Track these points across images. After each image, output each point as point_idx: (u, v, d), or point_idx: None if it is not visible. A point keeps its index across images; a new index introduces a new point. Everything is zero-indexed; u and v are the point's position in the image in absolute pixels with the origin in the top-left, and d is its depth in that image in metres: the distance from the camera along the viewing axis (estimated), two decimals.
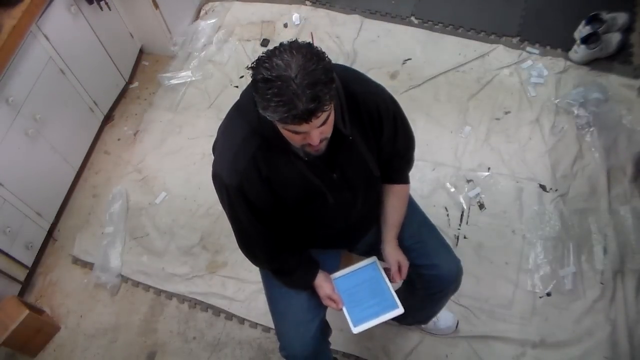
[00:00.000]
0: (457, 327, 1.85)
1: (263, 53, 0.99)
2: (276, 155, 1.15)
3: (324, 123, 1.02)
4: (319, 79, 0.94)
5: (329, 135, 1.08)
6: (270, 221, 1.26)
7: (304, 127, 0.99)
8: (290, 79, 0.93)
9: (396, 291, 1.40)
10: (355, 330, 1.34)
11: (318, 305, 1.42)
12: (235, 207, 1.22)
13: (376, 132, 1.23)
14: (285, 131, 1.04)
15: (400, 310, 1.35)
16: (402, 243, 1.44)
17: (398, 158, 1.36)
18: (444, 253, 1.44)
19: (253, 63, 0.99)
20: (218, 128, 1.24)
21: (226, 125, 1.22)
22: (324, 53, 0.98)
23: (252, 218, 1.23)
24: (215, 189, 1.23)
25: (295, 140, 1.06)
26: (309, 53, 0.96)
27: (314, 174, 1.20)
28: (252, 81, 0.99)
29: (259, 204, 1.20)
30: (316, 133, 1.02)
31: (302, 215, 1.30)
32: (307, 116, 0.95)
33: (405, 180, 1.43)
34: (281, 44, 0.99)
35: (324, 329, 1.49)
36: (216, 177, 1.20)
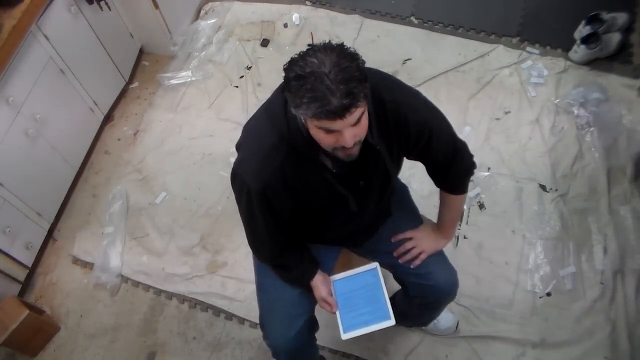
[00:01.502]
0: (457, 327, 1.85)
1: (296, 54, 0.98)
2: (304, 164, 1.13)
3: (357, 123, 0.99)
4: (353, 75, 0.94)
5: (362, 138, 1.05)
6: (285, 225, 1.26)
7: (337, 124, 0.96)
8: (324, 74, 0.92)
9: (394, 296, 1.40)
10: (345, 336, 1.34)
11: (309, 302, 1.42)
12: (253, 210, 1.20)
13: (401, 142, 1.19)
14: (318, 131, 1.01)
15: (391, 322, 1.34)
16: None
17: (439, 167, 1.32)
18: (439, 263, 1.44)
19: (286, 65, 0.98)
20: (244, 126, 1.22)
21: (254, 127, 1.19)
22: (357, 53, 0.98)
23: (269, 221, 1.23)
24: (234, 187, 1.21)
25: (327, 142, 1.02)
26: (342, 52, 0.96)
27: (340, 183, 1.19)
28: (284, 81, 0.98)
29: (279, 209, 1.20)
30: (349, 133, 0.99)
31: (323, 219, 1.31)
32: (341, 111, 0.94)
33: (451, 189, 1.38)
34: (314, 45, 0.99)
35: (311, 325, 1.49)
36: (238, 177, 1.18)
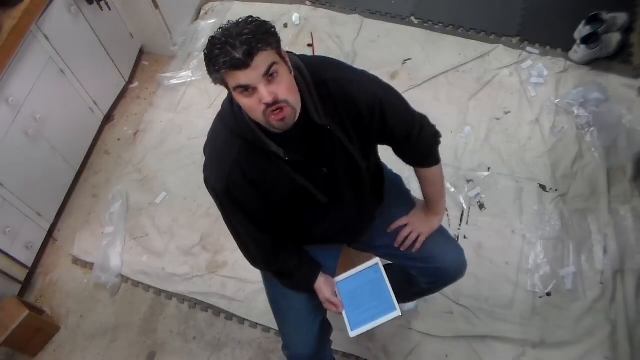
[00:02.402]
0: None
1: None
2: (259, 157, 1.15)
3: (271, 78, 1.02)
4: (253, 29, 1.00)
5: (287, 99, 1.05)
6: (265, 223, 1.26)
7: (246, 75, 1.00)
8: (228, 35, 1.00)
9: (398, 282, 1.40)
10: (352, 334, 1.34)
11: (319, 304, 1.41)
12: (226, 210, 1.23)
13: (355, 120, 1.18)
14: (240, 98, 1.04)
15: (397, 313, 1.33)
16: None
17: (403, 143, 1.29)
18: (444, 244, 1.42)
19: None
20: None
21: (211, 130, 1.23)
22: (266, 21, 1.05)
23: (245, 221, 1.23)
24: (209, 192, 1.24)
25: (251, 106, 1.04)
26: (247, 19, 1.03)
27: (301, 174, 1.19)
28: (205, 60, 1.05)
29: (249, 207, 1.20)
30: (265, 90, 1.01)
31: (297, 216, 1.30)
32: (244, 59, 0.98)
33: (424, 163, 1.36)
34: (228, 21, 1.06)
35: (326, 328, 1.49)
36: (207, 183, 1.21)
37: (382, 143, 1.31)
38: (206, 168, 1.21)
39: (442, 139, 1.36)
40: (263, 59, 1.00)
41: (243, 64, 0.98)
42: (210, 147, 1.21)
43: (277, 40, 1.04)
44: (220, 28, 1.04)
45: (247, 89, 1.02)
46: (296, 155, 1.15)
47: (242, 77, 1.00)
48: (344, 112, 1.16)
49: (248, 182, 1.16)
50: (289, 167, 1.16)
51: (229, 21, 1.05)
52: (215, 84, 1.08)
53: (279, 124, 1.06)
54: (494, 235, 2.05)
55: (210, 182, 1.19)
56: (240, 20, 1.03)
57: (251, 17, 1.04)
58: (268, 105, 1.02)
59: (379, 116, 1.19)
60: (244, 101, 1.04)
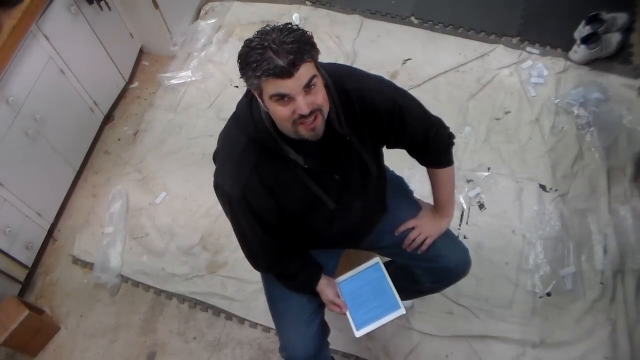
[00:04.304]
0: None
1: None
2: (276, 164, 1.15)
3: (310, 89, 1.02)
4: (296, 39, 0.99)
5: (322, 108, 1.06)
6: (273, 228, 1.26)
7: (287, 85, 0.99)
8: (270, 41, 0.99)
9: (401, 279, 1.39)
10: (358, 333, 1.34)
11: (318, 305, 1.42)
12: (237, 216, 1.22)
13: (372, 130, 1.21)
14: (274, 105, 1.03)
15: (401, 311, 1.35)
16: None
17: (420, 144, 1.33)
18: (450, 244, 1.43)
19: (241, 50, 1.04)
20: (218, 137, 1.24)
21: (225, 136, 1.22)
22: (303, 29, 1.04)
23: (255, 226, 1.23)
24: (218, 198, 1.23)
25: (285, 115, 1.04)
26: (286, 26, 1.02)
27: (314, 180, 1.19)
28: (238, 61, 1.04)
29: (262, 212, 1.20)
30: (303, 100, 1.01)
31: (305, 221, 1.31)
32: (287, 68, 0.97)
33: (438, 164, 1.39)
34: (264, 27, 1.05)
35: (324, 329, 1.49)
36: (218, 188, 1.20)
37: (399, 147, 1.34)
38: (220, 174, 1.20)
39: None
40: (306, 71, 1.00)
41: (287, 73, 0.98)
42: (227, 154, 1.19)
43: (317, 52, 1.04)
44: (257, 31, 1.03)
45: (283, 98, 1.01)
46: (313, 163, 1.16)
47: (283, 86, 1.00)
48: (363, 120, 1.18)
49: (264, 188, 1.17)
50: (304, 174, 1.17)
51: (267, 25, 1.04)
52: (249, 87, 1.07)
53: (309, 134, 1.07)
54: (494, 235, 2.05)
55: (224, 188, 1.18)
56: (279, 25, 1.02)
57: (290, 24, 1.03)
58: (302, 116, 1.03)
59: (399, 122, 1.22)
60: (277, 109, 1.04)
